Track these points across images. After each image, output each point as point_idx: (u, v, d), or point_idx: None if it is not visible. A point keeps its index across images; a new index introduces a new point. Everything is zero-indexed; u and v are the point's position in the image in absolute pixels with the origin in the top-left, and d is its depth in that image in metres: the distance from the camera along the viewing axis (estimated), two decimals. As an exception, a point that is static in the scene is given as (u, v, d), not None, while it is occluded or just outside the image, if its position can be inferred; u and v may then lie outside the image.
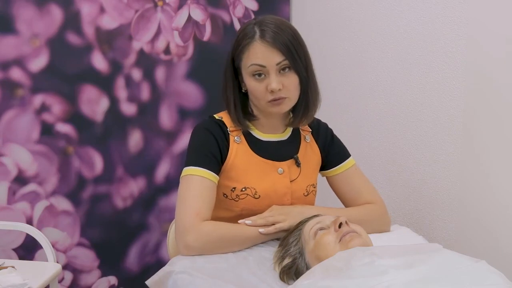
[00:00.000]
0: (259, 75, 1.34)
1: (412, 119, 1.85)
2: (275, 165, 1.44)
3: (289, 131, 1.50)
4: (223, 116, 1.46)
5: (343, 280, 1.01)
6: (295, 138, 1.50)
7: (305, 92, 1.41)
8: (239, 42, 1.37)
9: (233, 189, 1.41)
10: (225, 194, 1.42)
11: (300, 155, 1.48)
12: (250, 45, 1.34)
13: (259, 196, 1.41)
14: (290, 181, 1.45)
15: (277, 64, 1.34)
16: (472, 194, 1.67)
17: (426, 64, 1.78)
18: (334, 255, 1.12)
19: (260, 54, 1.33)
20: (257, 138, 1.45)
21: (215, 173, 1.37)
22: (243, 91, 1.43)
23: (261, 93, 1.36)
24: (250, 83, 1.37)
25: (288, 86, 1.36)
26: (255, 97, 1.38)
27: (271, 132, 1.47)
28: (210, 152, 1.38)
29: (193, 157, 1.38)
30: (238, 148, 1.42)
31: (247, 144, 1.43)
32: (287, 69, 1.35)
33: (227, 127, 1.43)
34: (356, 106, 2.09)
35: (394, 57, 1.90)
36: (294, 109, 1.45)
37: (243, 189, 1.40)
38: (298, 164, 1.47)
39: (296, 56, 1.35)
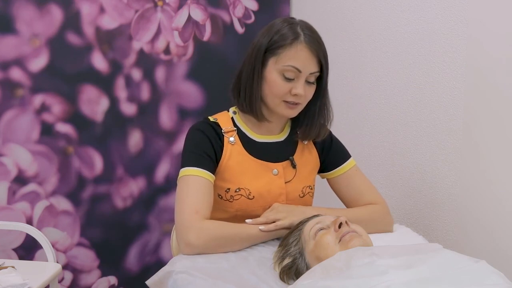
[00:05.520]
0: (290, 77, 1.35)
1: (412, 119, 1.85)
2: (269, 166, 1.44)
3: (285, 133, 1.50)
4: (218, 117, 1.46)
5: (343, 280, 1.00)
6: (292, 139, 1.50)
7: (322, 107, 1.44)
8: (282, 37, 1.35)
9: (228, 190, 1.41)
10: (220, 195, 1.42)
11: (296, 156, 1.48)
12: (294, 44, 1.34)
13: (253, 196, 1.41)
14: (285, 182, 1.45)
15: (311, 73, 1.36)
16: (472, 194, 1.67)
17: (426, 64, 1.78)
18: (334, 255, 1.12)
19: (303, 57, 1.34)
20: (252, 139, 1.45)
21: (211, 172, 1.37)
22: None
23: (282, 92, 1.36)
24: (276, 79, 1.36)
25: (307, 95, 1.39)
26: (274, 93, 1.37)
27: (267, 134, 1.47)
28: (205, 152, 1.38)
29: (188, 158, 1.39)
30: (232, 149, 1.42)
31: (241, 145, 1.43)
32: (313, 79, 1.38)
33: (221, 129, 1.43)
34: (356, 106, 2.09)
35: (394, 57, 1.90)
36: (306, 121, 1.46)
37: (237, 190, 1.40)
38: (293, 165, 1.47)
39: (326, 69, 1.39)
